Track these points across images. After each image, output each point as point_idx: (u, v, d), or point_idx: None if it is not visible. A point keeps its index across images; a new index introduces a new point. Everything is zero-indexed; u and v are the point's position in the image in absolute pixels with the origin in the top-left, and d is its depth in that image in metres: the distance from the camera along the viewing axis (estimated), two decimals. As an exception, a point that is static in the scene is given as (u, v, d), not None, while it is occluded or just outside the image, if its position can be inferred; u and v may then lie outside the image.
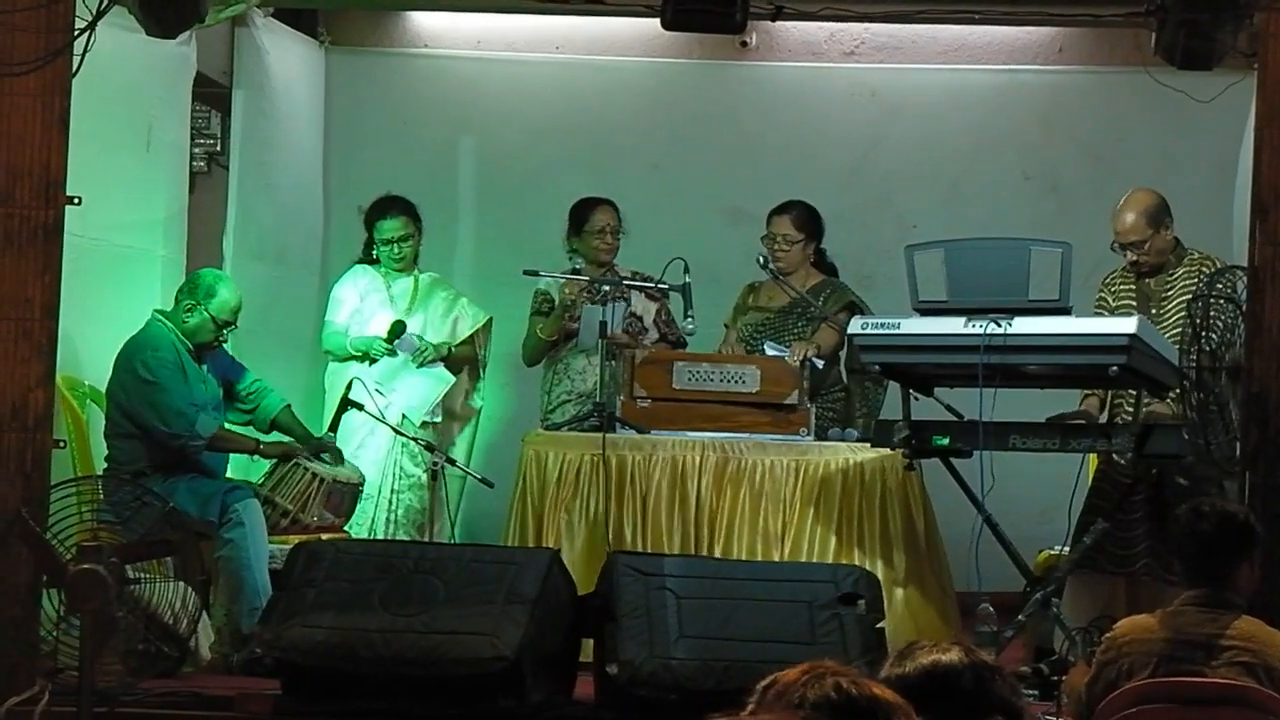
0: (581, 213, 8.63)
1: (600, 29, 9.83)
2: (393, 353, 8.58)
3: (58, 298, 6.69)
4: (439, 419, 8.80)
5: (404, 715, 6.26)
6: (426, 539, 8.41)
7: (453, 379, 8.81)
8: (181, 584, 6.59)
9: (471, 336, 8.89)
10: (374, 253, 8.79)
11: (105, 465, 7.66)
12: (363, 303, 8.75)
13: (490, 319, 8.96)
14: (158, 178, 8.55)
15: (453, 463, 8.41)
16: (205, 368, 7.85)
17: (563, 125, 9.90)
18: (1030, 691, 6.61)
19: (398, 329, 8.55)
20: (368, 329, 8.70)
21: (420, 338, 8.65)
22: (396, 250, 8.72)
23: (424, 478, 8.57)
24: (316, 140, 9.81)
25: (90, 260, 7.57)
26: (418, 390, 8.70)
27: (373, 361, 8.61)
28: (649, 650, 6.34)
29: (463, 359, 8.89)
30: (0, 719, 6.20)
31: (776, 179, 9.24)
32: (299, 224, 9.61)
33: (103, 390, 7.79)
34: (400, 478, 8.60)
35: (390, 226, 8.72)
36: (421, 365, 8.66)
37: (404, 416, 8.60)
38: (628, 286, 8.42)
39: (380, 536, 8.36)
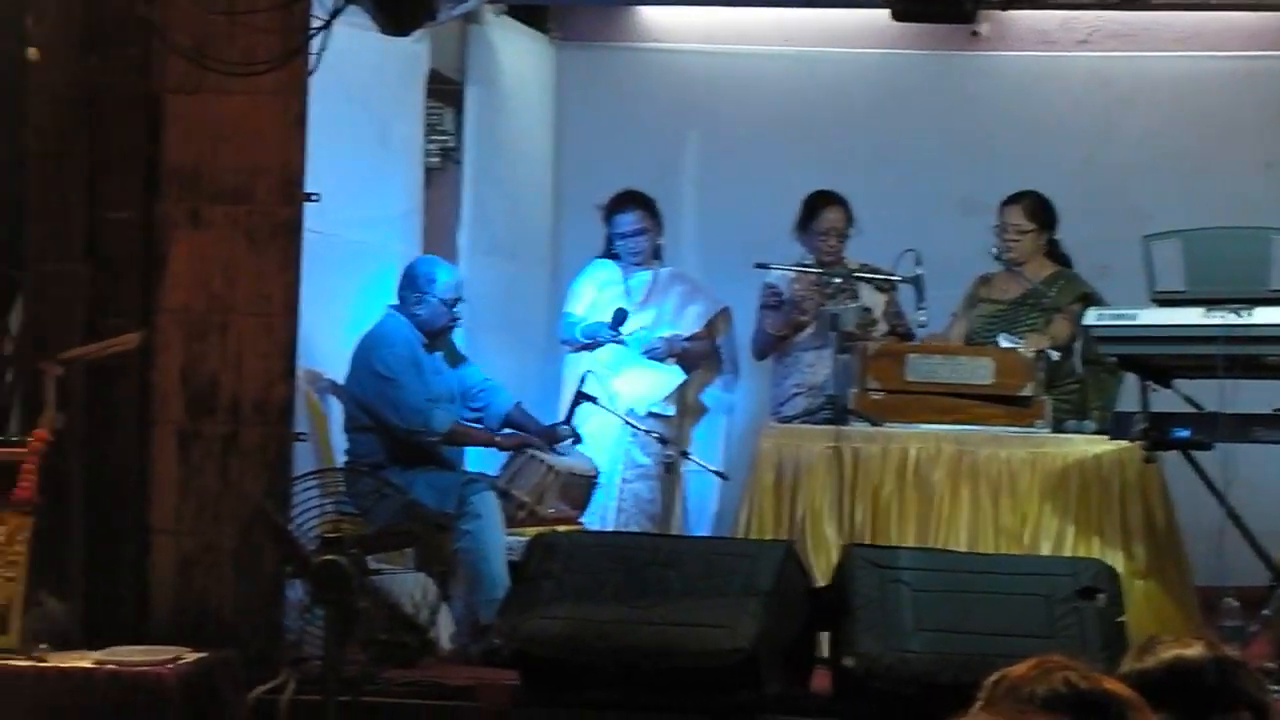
0: (812, 208, 8.60)
1: (830, 21, 9.80)
2: (618, 339, 8.61)
3: (297, 294, 6.78)
4: (671, 412, 8.81)
5: (640, 707, 6.27)
6: (659, 530, 8.42)
7: (683, 375, 8.83)
8: (421, 575, 6.66)
9: (708, 329, 8.89)
10: (612, 247, 8.82)
11: (345, 458, 7.74)
12: (599, 295, 8.78)
13: (727, 308, 8.93)
14: (393, 174, 8.65)
15: (687, 456, 8.42)
16: (440, 356, 7.91)
17: (792, 118, 9.87)
18: (1277, 688, 6.47)
19: (620, 315, 8.58)
20: (597, 318, 8.73)
21: (648, 331, 8.67)
22: (633, 244, 8.74)
23: (654, 467, 8.60)
24: (547, 135, 9.88)
25: (328, 256, 7.64)
26: (646, 382, 8.72)
27: (599, 347, 8.66)
28: (885, 643, 6.29)
29: (698, 354, 8.88)
30: (248, 707, 6.31)
31: (1008, 169, 9.11)
32: (531, 219, 9.68)
33: (341, 384, 7.90)
34: (630, 467, 8.62)
35: (627, 220, 8.74)
36: (653, 358, 8.68)
37: (630, 409, 8.63)
38: (857, 279, 8.36)
39: (611, 526, 8.39)
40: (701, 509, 8.80)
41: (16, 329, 6.80)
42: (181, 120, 6.79)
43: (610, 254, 8.84)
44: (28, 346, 6.67)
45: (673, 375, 8.82)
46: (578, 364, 8.76)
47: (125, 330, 6.64)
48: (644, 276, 8.84)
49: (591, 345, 8.71)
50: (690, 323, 8.86)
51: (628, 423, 8.55)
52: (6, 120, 6.72)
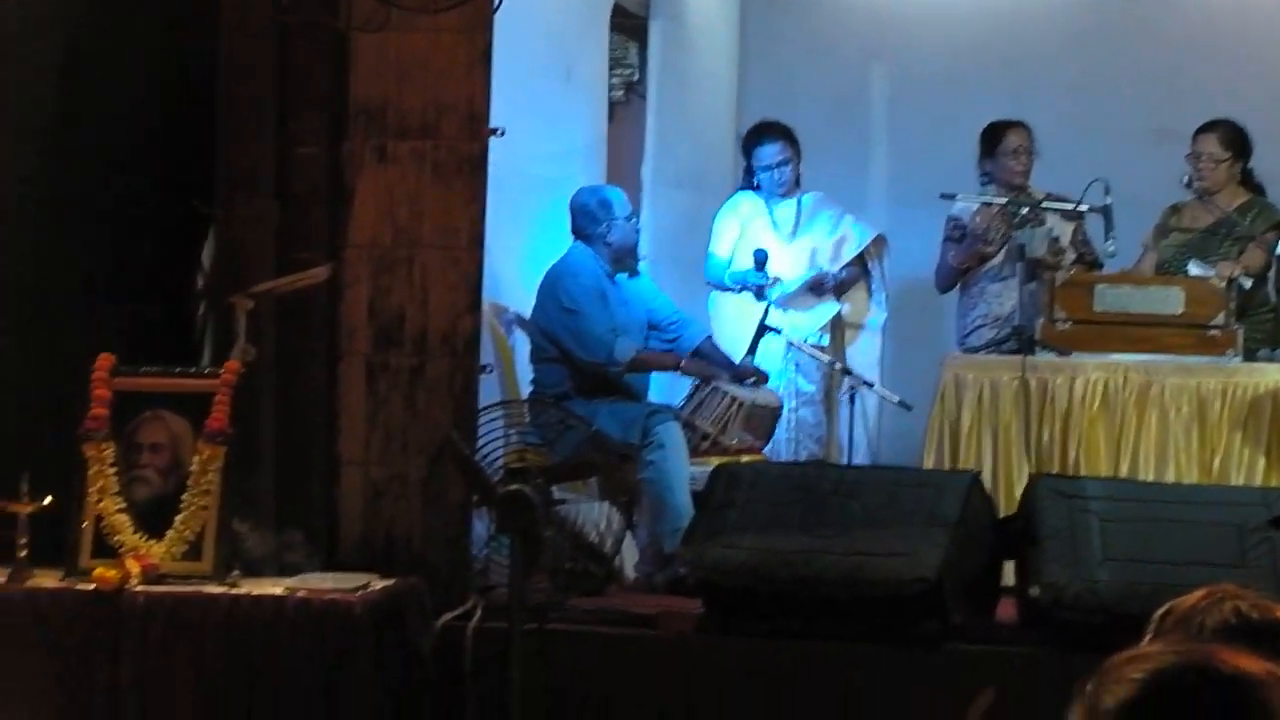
0: (994, 135, 8.52)
1: (1019, -51, 9.71)
2: (767, 283, 8.54)
3: (483, 227, 6.79)
4: (825, 342, 8.73)
5: (824, 636, 6.28)
6: (826, 455, 8.47)
7: (838, 306, 8.78)
8: (606, 505, 6.68)
9: (860, 255, 8.83)
10: (754, 179, 8.74)
11: (531, 389, 7.81)
12: (746, 230, 8.72)
13: (880, 234, 8.86)
14: (577, 109, 8.67)
15: (870, 385, 8.39)
16: (627, 285, 7.93)
17: (978, 47, 9.80)
18: None
19: (760, 257, 8.51)
20: (747, 253, 8.64)
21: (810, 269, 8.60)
22: (777, 175, 8.65)
23: (818, 394, 8.60)
24: (731, 68, 9.86)
25: (513, 190, 7.68)
26: (802, 314, 8.68)
27: (747, 290, 8.61)
28: (1072, 573, 6.23)
29: (851, 282, 8.84)
30: (434, 635, 6.38)
31: (1202, 98, 8.98)
32: (714, 151, 9.65)
33: (526, 316, 7.96)
34: (795, 395, 8.59)
35: (769, 152, 8.65)
36: (816, 294, 8.64)
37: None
38: (1044, 209, 8.26)
39: (781, 454, 8.38)
40: (890, 438, 8.77)
41: (208, 264, 6.89)
42: (368, 57, 6.81)
43: (749, 186, 8.77)
44: (219, 281, 6.74)
45: (828, 306, 8.80)
46: (725, 300, 8.69)
47: (314, 264, 6.69)
48: (789, 206, 8.76)
49: (741, 290, 8.68)
50: (843, 250, 8.81)
51: (810, 354, 8.55)
52: (199, 58, 6.78)
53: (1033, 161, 8.48)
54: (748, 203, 8.78)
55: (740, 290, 8.66)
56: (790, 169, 8.67)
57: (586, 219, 7.91)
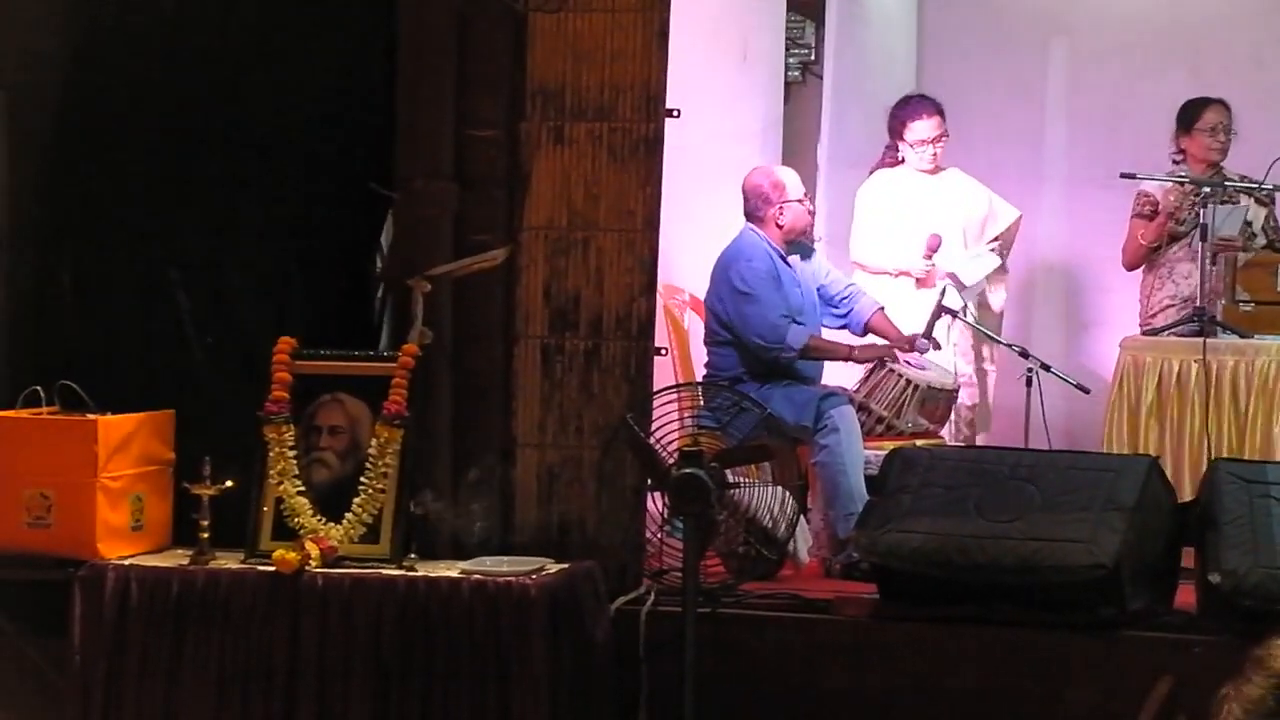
0: (1191, 111, 8.42)
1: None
2: (929, 265, 8.49)
3: (658, 209, 6.78)
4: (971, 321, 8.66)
5: (1000, 622, 6.23)
6: (979, 437, 8.42)
7: (998, 260, 8.68)
8: (779, 489, 6.63)
9: (1001, 235, 8.75)
10: (899, 154, 8.66)
11: (705, 372, 7.79)
12: (891, 207, 8.64)
13: (1020, 216, 8.75)
14: (753, 88, 8.66)
15: (1047, 368, 8.29)
16: (799, 269, 7.88)
17: (1161, 23, 9.62)
18: None
19: (934, 244, 8.46)
20: (899, 232, 8.60)
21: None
22: (930, 151, 8.58)
23: (974, 376, 8.55)
24: (909, 46, 9.77)
25: (689, 171, 7.68)
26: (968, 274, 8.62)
27: (908, 276, 8.56)
28: (1254, 559, 6.12)
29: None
30: (609, 618, 6.41)
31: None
32: (892, 131, 9.60)
33: (701, 299, 7.94)
34: (956, 375, 8.47)
35: (925, 127, 8.56)
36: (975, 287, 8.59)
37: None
38: (1232, 189, 8.11)
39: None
40: (1067, 421, 8.66)
41: (387, 247, 6.90)
42: (545, 38, 6.82)
43: (893, 161, 8.68)
44: (397, 264, 6.76)
45: (989, 259, 8.72)
46: (868, 282, 8.55)
47: (490, 247, 6.72)
48: (933, 183, 8.68)
49: (898, 275, 8.60)
50: (988, 228, 8.74)
51: (987, 334, 8.51)
52: (376, 41, 6.82)
53: (1230, 141, 8.35)
54: (890, 180, 8.69)
55: (898, 275, 8.59)
56: (943, 145, 8.58)
57: (759, 201, 7.86)
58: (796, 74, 9.53)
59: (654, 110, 6.78)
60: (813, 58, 9.57)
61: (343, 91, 6.89)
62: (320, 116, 6.87)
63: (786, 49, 9.16)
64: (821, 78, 9.34)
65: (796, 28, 9.37)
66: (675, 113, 6.82)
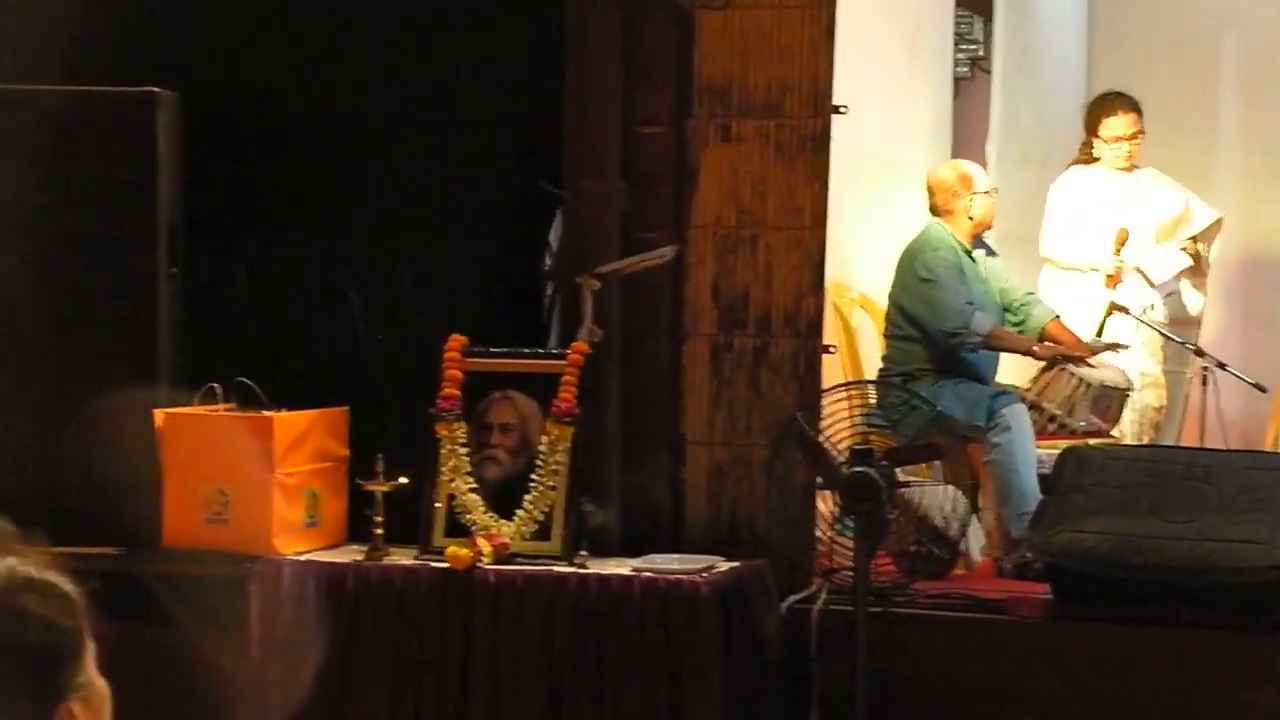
0: None
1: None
2: (1118, 261, 8.40)
3: (826, 206, 6.75)
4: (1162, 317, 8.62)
5: (1175, 623, 6.19)
6: (1165, 438, 8.34)
7: (1188, 260, 8.61)
8: (951, 488, 6.63)
9: (1195, 236, 8.67)
10: (1093, 152, 8.60)
11: (881, 366, 7.75)
12: (1084, 204, 8.57)
13: (1220, 219, 8.66)
14: (922, 85, 8.63)
15: (1223, 367, 8.22)
16: (983, 264, 7.85)
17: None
18: None
19: (1123, 236, 8.38)
20: (1091, 229, 8.54)
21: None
22: (1125, 148, 8.52)
23: (1161, 375, 8.49)
24: (1078, 41, 9.72)
25: (856, 168, 7.66)
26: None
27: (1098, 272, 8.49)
28: None
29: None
30: (779, 617, 6.39)
31: None
32: (1061, 126, 9.44)
33: (870, 297, 7.95)
34: (1141, 375, 8.44)
35: (1121, 124, 8.49)
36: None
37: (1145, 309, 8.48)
38: None
39: (1126, 436, 8.25)
40: (1243, 421, 8.61)
41: (555, 245, 6.97)
42: (712, 35, 6.81)
43: (1088, 159, 8.62)
44: (566, 262, 6.80)
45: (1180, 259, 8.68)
46: (1058, 277, 8.56)
47: (659, 245, 6.73)
48: (1126, 181, 8.62)
49: (1089, 270, 8.52)
50: (1180, 230, 8.67)
51: (1166, 336, 8.45)
52: (545, 39, 6.84)
53: None
54: (1083, 178, 8.64)
55: (1088, 271, 8.53)
56: (1139, 142, 8.52)
57: (947, 194, 7.77)
58: (965, 70, 9.51)
59: (821, 106, 6.76)
60: (981, 54, 9.54)
61: (512, 90, 6.91)
62: (490, 115, 6.89)
63: (955, 44, 9.11)
64: (990, 73, 9.32)
65: (965, 23, 9.34)
66: (843, 109, 6.80)
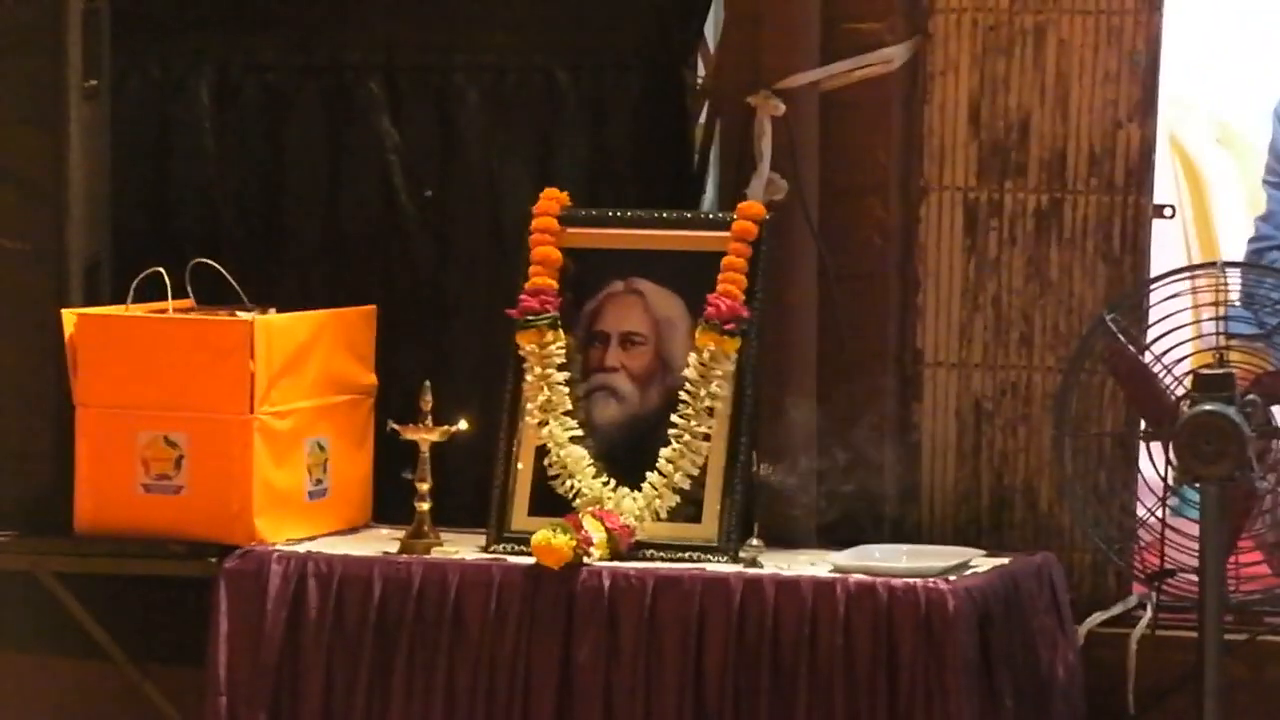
0: None
1: None
2: None
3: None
4: None
5: None
6: None
7: None
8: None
9: None
10: None
11: (1252, 237, 7.21)
12: None
13: None
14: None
15: None
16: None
17: None
18: None
19: None
20: None
21: None
22: None
23: None
24: None
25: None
26: None
27: None
28: None
29: None
30: (1076, 644, 5.78)
31: None
32: None
33: (1234, 129, 7.74)
34: None
35: None
36: None
37: None
38: None
39: None
40: None
41: (713, 45, 6.47)
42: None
43: None
44: (728, 70, 6.21)
45: None
46: None
47: (880, 43, 6.07)
48: None
49: None
50: None
51: None
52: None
53: None
54: None
55: None
56: None
57: None
58: None
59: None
60: None
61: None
62: None
63: None
64: None
65: None
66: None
